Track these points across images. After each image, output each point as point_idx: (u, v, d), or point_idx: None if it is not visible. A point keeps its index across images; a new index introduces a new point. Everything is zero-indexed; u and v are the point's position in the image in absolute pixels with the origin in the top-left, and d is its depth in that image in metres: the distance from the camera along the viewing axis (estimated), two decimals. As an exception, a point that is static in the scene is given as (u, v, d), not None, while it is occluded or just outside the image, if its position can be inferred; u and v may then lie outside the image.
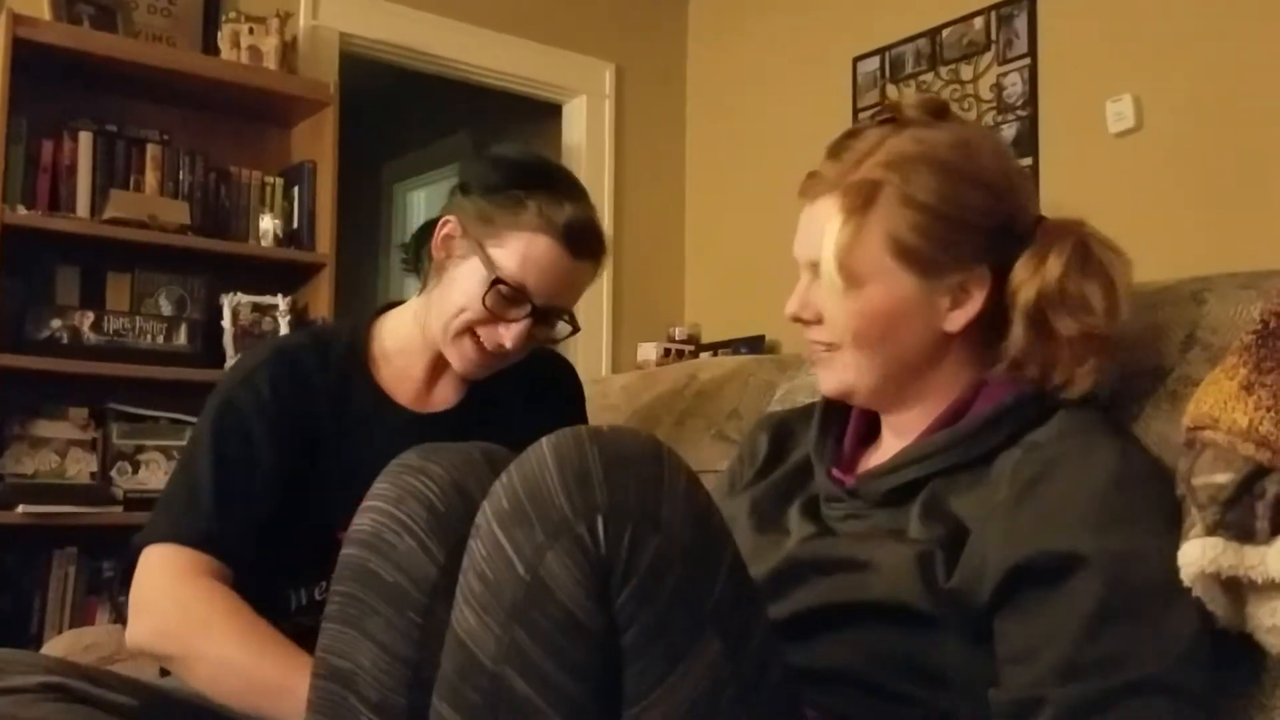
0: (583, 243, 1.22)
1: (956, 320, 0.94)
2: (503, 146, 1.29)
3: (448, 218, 1.25)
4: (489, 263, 1.19)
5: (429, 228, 1.29)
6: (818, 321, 0.97)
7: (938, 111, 0.97)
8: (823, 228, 0.94)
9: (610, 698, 0.72)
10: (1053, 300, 0.91)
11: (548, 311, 1.24)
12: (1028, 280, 0.92)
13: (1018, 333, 0.92)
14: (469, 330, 1.22)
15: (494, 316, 1.21)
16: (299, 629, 1.17)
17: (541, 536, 0.72)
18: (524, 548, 0.73)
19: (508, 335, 1.21)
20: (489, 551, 0.74)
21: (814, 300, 0.97)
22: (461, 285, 1.22)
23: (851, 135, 0.97)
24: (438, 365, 1.30)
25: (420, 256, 1.31)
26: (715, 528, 0.77)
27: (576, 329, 1.29)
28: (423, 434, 1.18)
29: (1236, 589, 0.80)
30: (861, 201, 0.93)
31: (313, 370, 1.26)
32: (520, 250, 1.19)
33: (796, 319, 0.99)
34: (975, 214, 0.92)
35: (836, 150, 0.96)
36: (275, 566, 1.20)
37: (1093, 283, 0.91)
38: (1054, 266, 0.91)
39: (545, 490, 0.73)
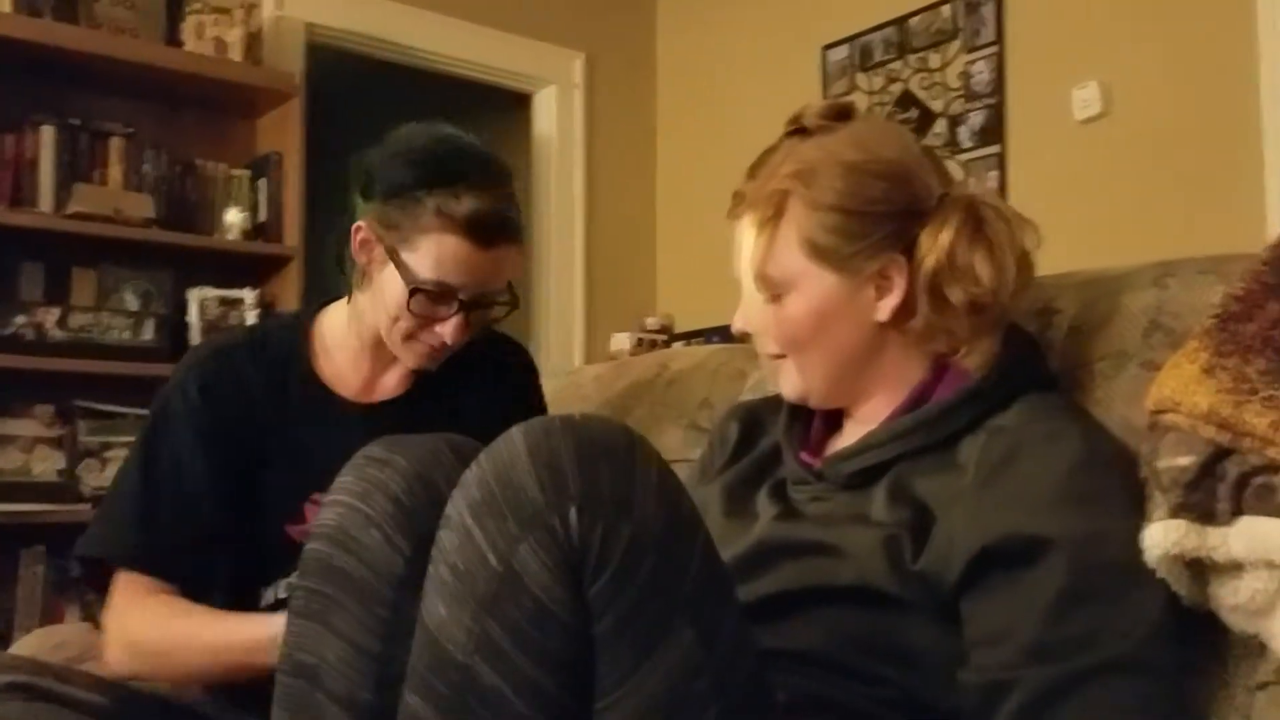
0: (490, 233, 1.16)
1: (885, 308, 0.96)
2: (396, 137, 1.23)
3: (358, 224, 1.21)
4: (404, 269, 1.16)
5: (346, 236, 1.25)
6: (763, 333, 1.01)
7: (841, 114, 1.01)
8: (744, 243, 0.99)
9: (582, 688, 0.72)
10: (943, 270, 0.93)
11: (480, 298, 1.21)
12: (927, 253, 0.94)
13: (920, 305, 0.95)
14: (406, 334, 1.20)
15: (426, 320, 1.18)
16: None
17: (514, 527, 0.72)
18: (496, 538, 0.72)
19: (445, 332, 1.19)
20: (460, 542, 0.74)
21: (753, 313, 1.01)
22: (388, 292, 1.18)
23: (768, 152, 1.01)
24: (380, 357, 1.27)
25: (344, 259, 1.26)
26: (687, 516, 0.77)
27: (515, 305, 1.25)
28: (368, 425, 1.18)
29: (1200, 569, 0.82)
30: (772, 212, 0.97)
31: (247, 369, 1.24)
32: (431, 252, 1.15)
33: (743, 334, 1.04)
34: (879, 203, 0.95)
35: (754, 168, 1.01)
36: (238, 567, 1.20)
37: (980, 251, 0.93)
38: (945, 236, 0.94)
39: (517, 480, 0.73)
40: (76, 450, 2.65)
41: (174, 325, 2.78)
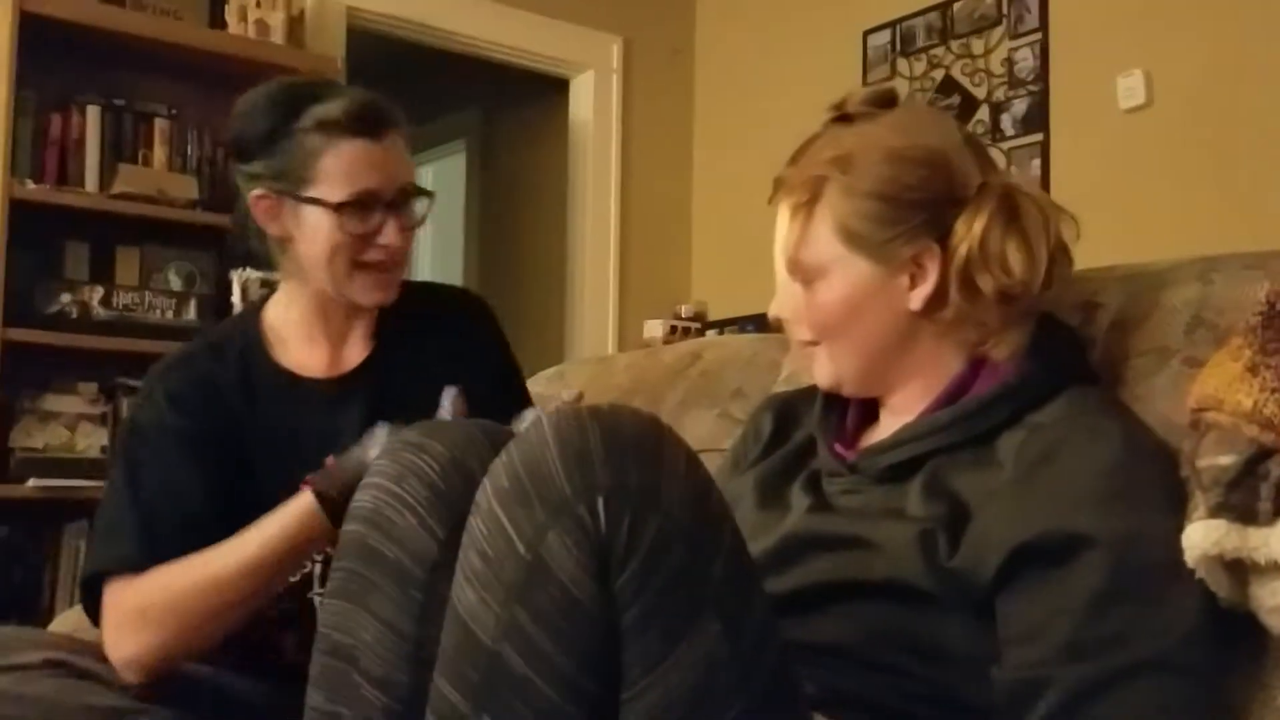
0: (375, 123, 1.17)
1: (918, 297, 0.95)
2: (241, 103, 1.23)
3: (254, 194, 1.20)
4: (318, 201, 1.15)
5: (246, 218, 1.24)
6: (797, 320, 1.01)
7: (885, 101, 1.00)
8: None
9: (609, 678, 0.73)
10: (975, 258, 0.93)
11: (399, 196, 1.19)
12: (960, 241, 0.93)
13: (951, 294, 0.94)
14: (354, 265, 1.18)
15: (362, 237, 1.17)
16: (284, 615, 1.18)
17: (542, 516, 0.72)
18: (524, 527, 0.73)
19: (386, 239, 1.18)
20: (489, 530, 0.74)
21: (787, 300, 1.01)
22: (315, 238, 1.17)
23: (810, 139, 1.01)
24: (332, 328, 1.25)
25: (253, 244, 1.25)
26: (715, 508, 0.77)
27: (431, 195, 1.25)
28: (341, 399, 1.21)
29: (1240, 570, 0.80)
30: (808, 198, 0.97)
31: (211, 370, 1.22)
32: (331, 169, 1.15)
33: (778, 321, 1.04)
34: (915, 191, 0.95)
35: (796, 155, 1.01)
36: None
37: (1013, 241, 0.92)
38: (978, 224, 0.93)
39: (545, 469, 0.73)
40: (119, 427, 2.70)
41: (217, 306, 2.81)
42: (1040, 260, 0.92)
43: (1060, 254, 0.95)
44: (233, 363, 1.23)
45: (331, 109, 1.16)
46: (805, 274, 0.98)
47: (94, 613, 1.13)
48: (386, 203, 1.18)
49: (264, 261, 1.28)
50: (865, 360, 0.99)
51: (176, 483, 1.15)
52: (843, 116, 1.00)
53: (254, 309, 1.31)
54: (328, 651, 0.84)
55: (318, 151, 1.16)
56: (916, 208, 0.94)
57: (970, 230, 0.93)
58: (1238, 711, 0.83)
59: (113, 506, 1.16)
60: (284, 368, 1.24)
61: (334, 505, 1.02)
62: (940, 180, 0.95)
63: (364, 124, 1.16)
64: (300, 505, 1.06)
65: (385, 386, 1.23)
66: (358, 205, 1.16)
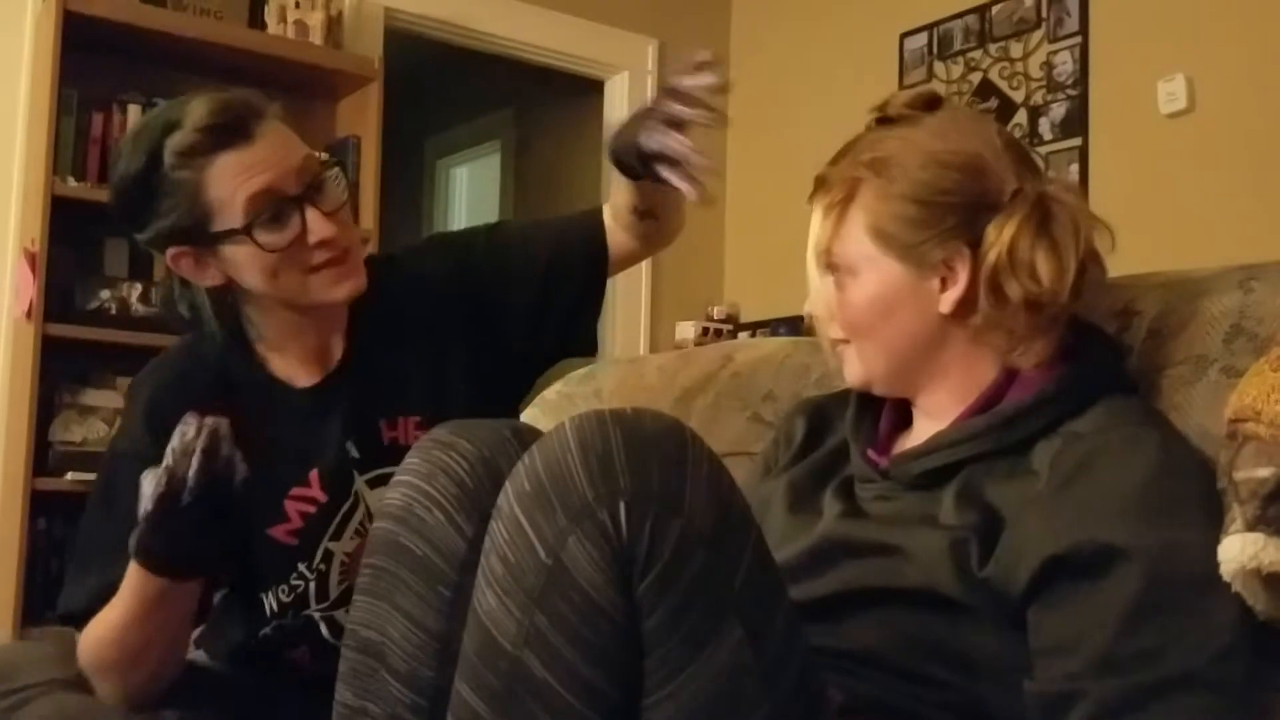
0: (233, 127, 1.05)
1: (948, 300, 0.94)
2: (111, 174, 1.12)
3: (170, 255, 1.09)
4: (229, 234, 1.05)
5: (170, 292, 1.15)
6: (829, 319, 1.01)
7: (928, 105, 0.99)
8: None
9: (631, 684, 0.72)
10: (1003, 264, 0.92)
11: (309, 186, 1.08)
12: (990, 246, 0.93)
13: (980, 299, 0.93)
14: (302, 271, 1.08)
15: (290, 242, 1.06)
16: (284, 632, 1.14)
17: (563, 521, 0.72)
18: (545, 532, 0.73)
19: (316, 233, 1.06)
20: (510, 534, 0.74)
21: (819, 298, 1.02)
22: (248, 269, 1.07)
23: (852, 140, 1.01)
24: (313, 333, 1.16)
25: (201, 311, 1.14)
26: (738, 514, 0.76)
27: (341, 164, 1.15)
28: (325, 399, 1.15)
29: (1277, 584, 0.79)
30: (842, 197, 0.97)
31: (192, 384, 1.14)
32: (220, 195, 1.04)
33: (810, 318, 1.04)
34: (950, 194, 0.94)
35: (836, 156, 1.01)
36: (235, 579, 1.15)
37: (1043, 248, 0.91)
38: (1008, 230, 0.92)
39: (567, 473, 0.73)
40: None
41: (250, 303, 2.84)
42: (1069, 269, 0.91)
43: (1092, 264, 0.94)
44: (212, 365, 1.16)
45: (184, 136, 1.04)
46: (834, 270, 0.99)
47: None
48: (294, 197, 1.06)
49: (208, 324, 1.15)
50: (895, 360, 0.98)
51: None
52: (885, 119, 1.00)
53: (235, 313, 1.18)
54: (356, 648, 0.85)
55: (196, 185, 1.04)
56: (949, 211, 0.94)
57: (1000, 236, 0.92)
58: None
59: (85, 539, 1.15)
60: (265, 373, 1.17)
61: (149, 559, 0.98)
62: (975, 185, 0.94)
63: (224, 134, 1.04)
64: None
65: (368, 376, 1.17)
66: (265, 217, 1.05)
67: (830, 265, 0.99)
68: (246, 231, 1.04)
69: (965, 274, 0.93)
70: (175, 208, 1.06)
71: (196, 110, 1.06)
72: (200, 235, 1.07)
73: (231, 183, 1.04)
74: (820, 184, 1.01)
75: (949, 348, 0.97)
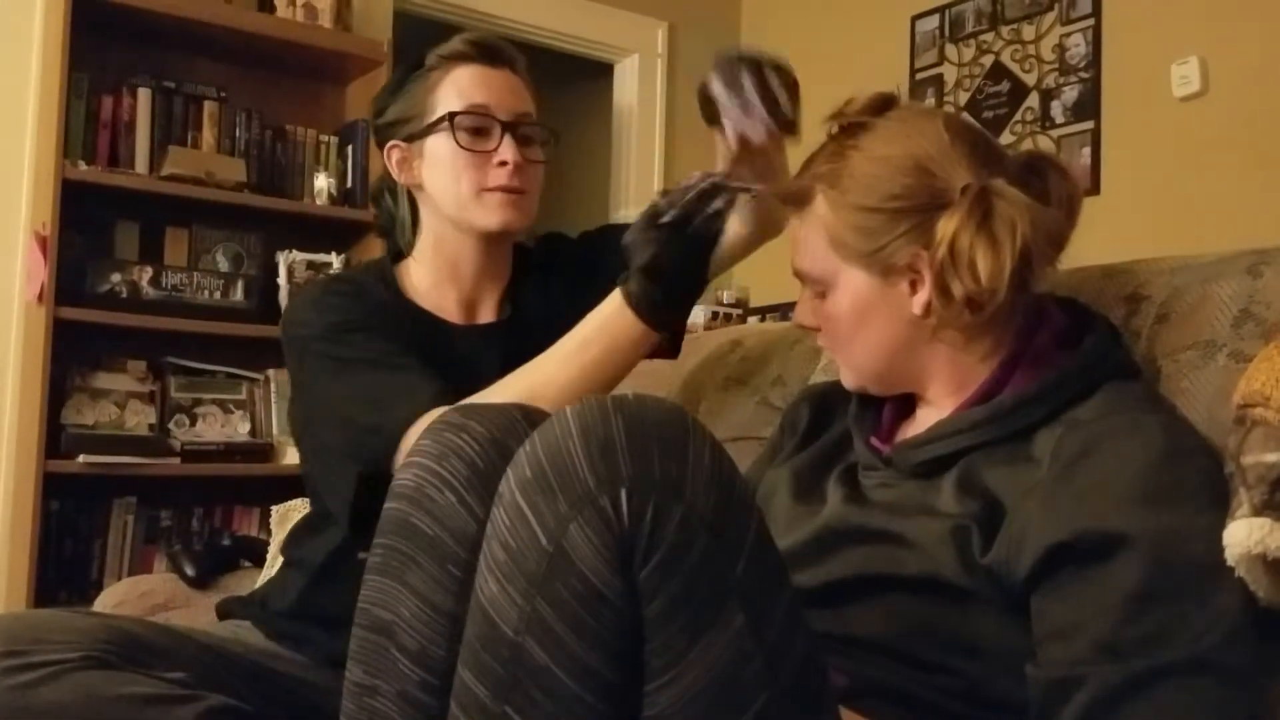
0: (490, 51, 1.25)
1: (918, 303, 0.94)
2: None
3: (389, 147, 1.28)
4: (437, 125, 1.22)
5: (380, 191, 1.33)
6: (816, 329, 1.03)
7: (881, 107, 0.99)
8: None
9: (632, 670, 0.72)
10: (946, 263, 0.90)
11: (517, 123, 1.25)
12: (937, 245, 0.91)
13: (932, 297, 0.93)
14: (478, 190, 1.23)
15: (479, 154, 1.22)
16: None
17: (564, 507, 0.72)
18: (546, 518, 0.73)
19: (503, 154, 1.22)
20: (512, 520, 0.74)
21: (807, 309, 1.03)
22: (438, 165, 1.24)
23: (815, 153, 1.01)
24: (468, 281, 1.30)
25: (396, 212, 1.31)
26: (740, 500, 0.76)
27: (556, 135, 1.31)
28: (475, 342, 1.24)
29: (1282, 569, 0.79)
30: (803, 211, 0.99)
31: (366, 289, 1.27)
32: (449, 92, 1.23)
33: (801, 326, 1.05)
34: (899, 199, 0.93)
35: (799, 170, 1.02)
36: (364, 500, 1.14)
37: (981, 245, 0.89)
38: (949, 227, 0.90)
39: (568, 459, 0.73)
40: (168, 405, 2.75)
41: (264, 287, 2.85)
42: (1005, 267, 0.88)
43: (1039, 257, 0.91)
44: (375, 291, 1.28)
45: (450, 43, 1.25)
46: (814, 284, 1.00)
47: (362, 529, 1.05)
48: (503, 123, 1.23)
49: (401, 231, 1.32)
50: (880, 365, 0.99)
51: (381, 350, 1.17)
52: (843, 126, 1.00)
53: (384, 260, 1.34)
54: (366, 626, 0.86)
55: (436, 83, 1.24)
56: (902, 216, 0.93)
57: (944, 234, 0.91)
58: (1277, 712, 0.82)
59: (345, 399, 1.15)
60: (422, 307, 1.29)
61: (648, 306, 1.10)
62: (923, 186, 0.93)
63: (479, 51, 1.24)
64: (612, 302, 1.13)
65: (524, 337, 1.24)
66: (471, 120, 1.22)
67: (804, 277, 1.00)
68: (451, 120, 1.22)
69: (929, 275, 0.93)
70: (413, 101, 1.26)
71: (467, 36, 1.27)
72: (415, 127, 1.25)
73: (462, 85, 1.24)
74: (787, 199, 1.02)
75: (935, 345, 0.97)
